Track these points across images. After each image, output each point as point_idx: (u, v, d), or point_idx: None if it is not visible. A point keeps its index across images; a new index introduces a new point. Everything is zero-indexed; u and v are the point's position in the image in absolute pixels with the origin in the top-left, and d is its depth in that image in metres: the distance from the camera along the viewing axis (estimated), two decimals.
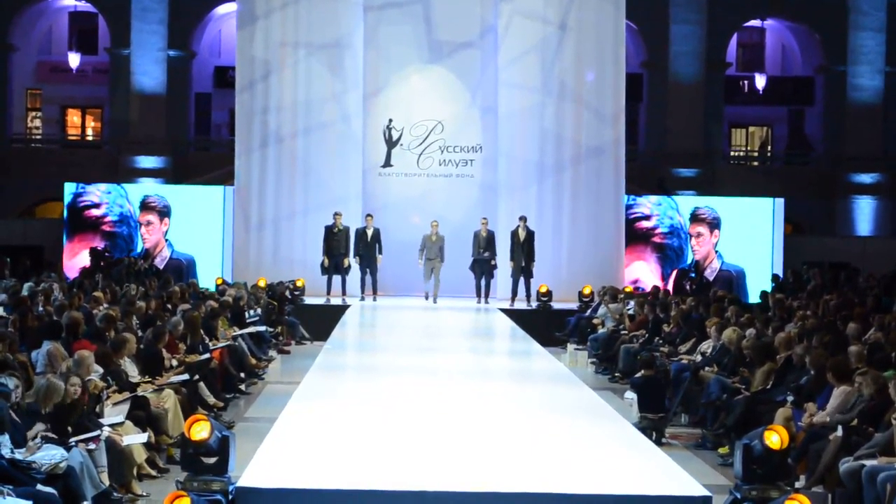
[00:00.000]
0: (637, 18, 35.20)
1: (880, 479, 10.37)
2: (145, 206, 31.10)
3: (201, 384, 16.01)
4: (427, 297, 26.50)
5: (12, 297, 20.15)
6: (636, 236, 30.62)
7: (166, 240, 30.96)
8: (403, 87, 29.42)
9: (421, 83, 29.44)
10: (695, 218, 31.09)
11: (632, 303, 23.72)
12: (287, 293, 26.24)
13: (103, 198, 31.09)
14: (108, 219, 31.01)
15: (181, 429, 11.26)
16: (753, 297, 28.35)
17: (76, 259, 30.68)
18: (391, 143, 29.30)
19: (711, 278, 30.13)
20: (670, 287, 28.82)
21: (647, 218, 30.86)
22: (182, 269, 30.29)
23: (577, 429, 11.50)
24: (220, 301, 20.93)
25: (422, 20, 29.16)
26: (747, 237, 31.10)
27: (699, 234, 31.00)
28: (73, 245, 31.05)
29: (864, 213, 36.72)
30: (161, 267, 29.66)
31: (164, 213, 31.00)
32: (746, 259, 31.00)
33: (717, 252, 31.08)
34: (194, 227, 30.79)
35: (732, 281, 30.48)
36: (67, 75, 38.67)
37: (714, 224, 31.10)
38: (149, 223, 31.00)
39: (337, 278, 26.70)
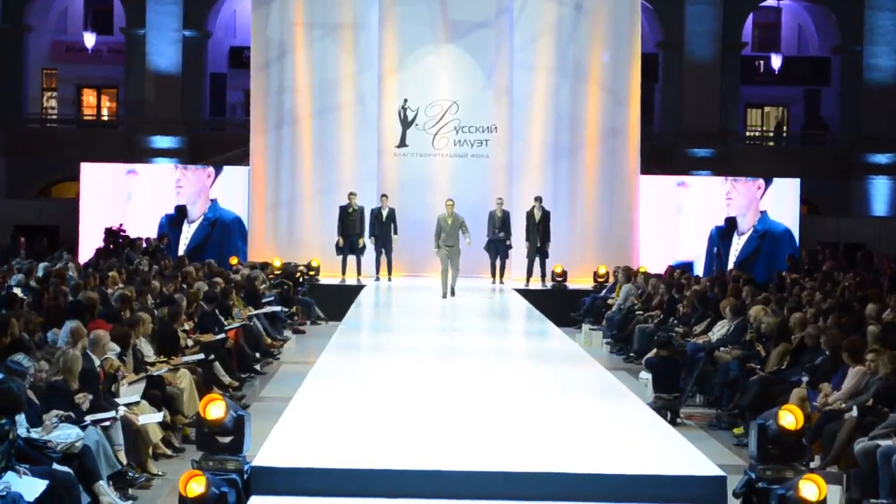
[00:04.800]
0: None
1: (895, 459, 10.37)
2: None
3: (216, 364, 16.06)
4: (445, 296, 22.90)
5: (27, 275, 20.20)
6: None
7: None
8: (418, 67, 29.27)
9: (436, 63, 29.26)
10: None
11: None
12: (298, 276, 26.21)
13: None
14: None
15: (196, 408, 11.29)
16: None
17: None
18: (406, 124, 29.20)
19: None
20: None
21: None
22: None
23: (592, 409, 11.53)
24: (233, 280, 20.98)
25: (437, 0, 29.09)
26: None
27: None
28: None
29: (881, 193, 36.55)
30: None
31: None
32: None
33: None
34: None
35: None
36: (83, 55, 38.66)
37: None
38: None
39: (352, 258, 26.67)
